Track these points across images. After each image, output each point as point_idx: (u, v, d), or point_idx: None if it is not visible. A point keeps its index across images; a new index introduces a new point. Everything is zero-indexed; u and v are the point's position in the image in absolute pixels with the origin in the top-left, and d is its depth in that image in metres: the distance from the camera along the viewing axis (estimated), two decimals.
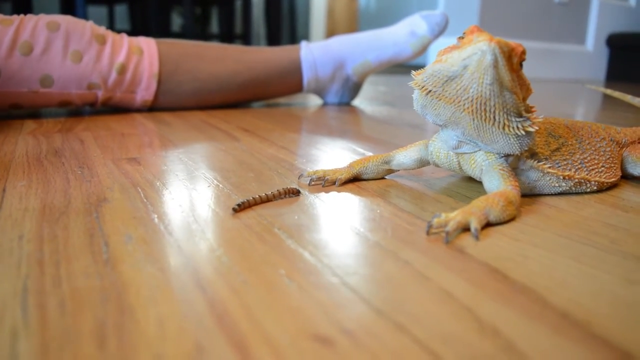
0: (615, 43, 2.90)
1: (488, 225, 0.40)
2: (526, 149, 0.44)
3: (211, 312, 0.26)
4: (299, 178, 0.52)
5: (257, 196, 0.44)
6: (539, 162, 0.48)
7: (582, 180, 0.50)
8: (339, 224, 0.40)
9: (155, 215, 0.41)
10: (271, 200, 0.46)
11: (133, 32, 3.36)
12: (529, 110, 0.43)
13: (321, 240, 0.37)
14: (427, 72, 0.43)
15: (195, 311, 0.26)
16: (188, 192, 0.48)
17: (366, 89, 1.75)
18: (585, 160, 0.51)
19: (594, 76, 2.99)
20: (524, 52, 0.42)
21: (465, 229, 0.39)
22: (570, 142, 0.51)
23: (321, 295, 0.28)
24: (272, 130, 0.84)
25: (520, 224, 0.41)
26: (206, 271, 0.31)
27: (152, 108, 1.04)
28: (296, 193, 0.47)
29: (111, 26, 3.91)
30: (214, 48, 1.09)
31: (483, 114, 0.41)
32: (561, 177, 0.49)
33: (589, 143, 0.52)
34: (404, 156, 0.52)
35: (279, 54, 1.13)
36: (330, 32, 4.90)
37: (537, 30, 2.60)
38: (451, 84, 0.41)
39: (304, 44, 1.15)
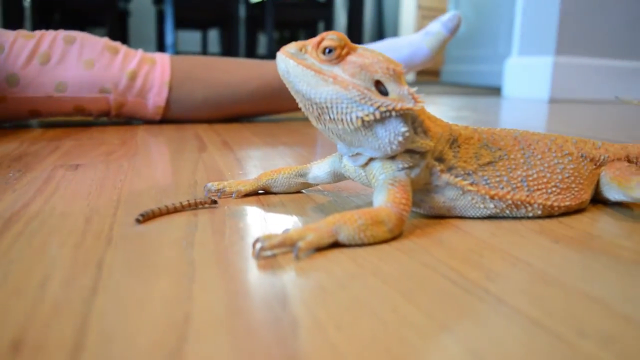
0: None
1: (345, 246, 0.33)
2: (397, 142, 0.37)
3: None
4: (203, 189, 0.48)
5: (164, 206, 0.40)
6: (457, 177, 0.40)
7: (519, 202, 0.41)
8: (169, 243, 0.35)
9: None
10: (180, 211, 0.42)
11: (223, 55, 3.50)
12: (375, 95, 0.37)
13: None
14: None
15: None
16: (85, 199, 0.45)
17: None
18: (530, 178, 0.42)
19: None
20: (322, 39, 0.38)
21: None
22: (512, 156, 0.42)
23: None
24: (251, 144, 0.80)
25: (387, 247, 0.34)
26: None
27: (165, 120, 1.04)
28: (211, 203, 0.43)
29: (204, 50, 4.12)
30: (227, 60, 1.08)
31: (319, 119, 0.39)
32: (487, 197, 0.40)
33: (540, 158, 0.43)
34: (318, 169, 0.46)
35: None
36: None
37: (624, 47, 2.36)
38: None
39: None
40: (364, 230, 0.33)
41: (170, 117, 1.03)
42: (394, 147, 0.37)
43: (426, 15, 4.97)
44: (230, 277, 0.29)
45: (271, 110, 1.14)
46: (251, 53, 3.61)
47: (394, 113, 0.37)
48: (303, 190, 0.49)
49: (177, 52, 3.11)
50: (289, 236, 0.32)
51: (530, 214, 0.42)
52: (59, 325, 0.24)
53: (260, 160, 0.66)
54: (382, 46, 1.12)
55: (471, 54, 3.83)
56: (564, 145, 0.45)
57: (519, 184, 0.41)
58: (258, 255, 0.31)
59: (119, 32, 3.11)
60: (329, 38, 0.37)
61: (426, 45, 1.09)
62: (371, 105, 0.36)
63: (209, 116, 1.07)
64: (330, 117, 0.38)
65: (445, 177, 0.40)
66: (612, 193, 0.45)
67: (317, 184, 0.48)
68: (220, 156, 0.68)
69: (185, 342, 0.22)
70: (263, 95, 1.07)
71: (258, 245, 0.31)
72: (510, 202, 0.41)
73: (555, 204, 0.42)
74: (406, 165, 0.39)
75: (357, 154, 0.40)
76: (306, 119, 1.16)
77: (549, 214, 0.42)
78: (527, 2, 2.37)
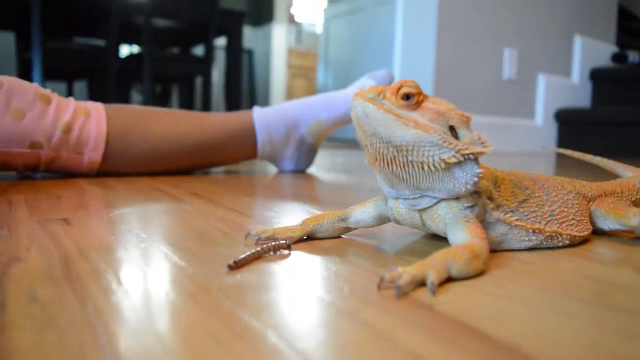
0: (563, 117, 3.02)
1: (450, 280, 0.35)
2: (472, 182, 0.41)
3: None
4: (245, 237, 0.47)
5: (256, 251, 0.39)
6: (505, 214, 0.45)
7: (553, 234, 0.46)
8: (288, 285, 0.35)
9: (72, 275, 0.35)
10: (260, 257, 0.40)
11: None
12: (453, 139, 0.40)
13: (266, 301, 0.31)
14: None
15: None
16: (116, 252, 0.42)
17: (323, 160, 1.73)
18: (555, 213, 0.47)
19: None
20: (401, 86, 0.40)
21: (422, 284, 0.34)
22: (537, 194, 0.48)
23: None
24: (222, 194, 0.79)
25: (490, 278, 0.37)
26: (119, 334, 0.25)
27: (100, 173, 0.97)
28: (286, 248, 0.43)
29: None
30: (165, 112, 1.05)
31: (392, 162, 0.40)
32: (530, 231, 0.45)
33: (556, 195, 0.49)
34: (362, 212, 0.48)
35: (232, 116, 1.10)
36: None
37: (489, 105, 2.69)
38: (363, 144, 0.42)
39: (256, 108, 1.12)
40: (469, 264, 0.36)
41: (106, 170, 0.97)
42: (468, 187, 0.41)
43: (296, 73, 5.20)
44: (398, 321, 0.30)
45: (211, 163, 1.12)
46: None
47: (471, 156, 0.40)
48: (342, 235, 0.50)
49: None
50: (413, 274, 0.33)
51: (561, 244, 0.47)
52: None
53: (261, 209, 0.66)
54: (319, 101, 1.15)
55: None
56: (564, 184, 0.52)
57: (549, 218, 0.47)
58: (400, 293, 0.32)
59: None
60: (408, 85, 0.40)
61: None
62: (452, 148, 0.40)
63: (148, 170, 1.02)
64: (408, 160, 0.40)
65: (496, 214, 0.44)
66: (607, 223, 0.53)
67: (358, 228, 0.49)
68: (213, 208, 0.66)
69: None
70: (204, 149, 1.05)
71: (399, 282, 0.32)
72: (547, 234, 0.46)
73: (578, 234, 0.48)
74: (469, 205, 0.42)
75: (421, 196, 0.43)
76: (246, 172, 1.15)
77: (572, 243, 0.48)
78: (404, 61, 2.60)
